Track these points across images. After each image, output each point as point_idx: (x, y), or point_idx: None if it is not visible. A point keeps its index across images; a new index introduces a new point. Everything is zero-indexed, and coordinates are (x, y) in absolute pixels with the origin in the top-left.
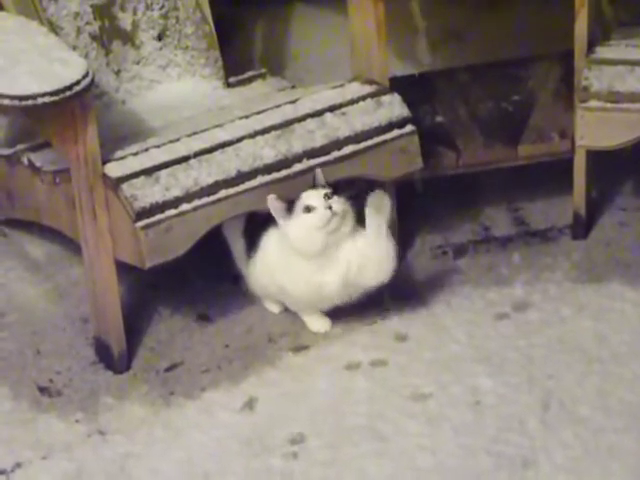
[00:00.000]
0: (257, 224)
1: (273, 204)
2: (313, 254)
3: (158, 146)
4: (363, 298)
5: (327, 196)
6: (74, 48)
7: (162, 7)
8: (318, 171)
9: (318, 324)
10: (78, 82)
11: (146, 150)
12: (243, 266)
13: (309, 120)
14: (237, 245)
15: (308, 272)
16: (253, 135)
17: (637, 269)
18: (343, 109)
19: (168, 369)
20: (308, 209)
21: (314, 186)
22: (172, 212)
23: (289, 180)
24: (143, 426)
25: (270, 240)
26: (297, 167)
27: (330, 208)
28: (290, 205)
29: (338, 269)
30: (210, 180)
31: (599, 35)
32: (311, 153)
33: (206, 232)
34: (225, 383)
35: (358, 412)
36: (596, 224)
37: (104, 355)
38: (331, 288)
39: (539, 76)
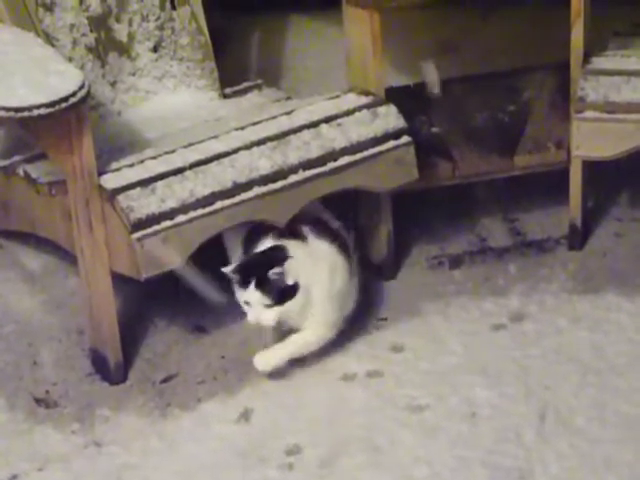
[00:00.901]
0: (257, 235)
1: (231, 274)
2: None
3: (154, 157)
4: (359, 309)
5: (268, 305)
6: (70, 60)
7: (158, 18)
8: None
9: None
10: (74, 94)
11: (142, 161)
12: None
13: (305, 131)
14: (236, 256)
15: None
16: (249, 146)
17: (633, 280)
18: (339, 120)
19: (164, 380)
20: (246, 303)
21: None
22: (168, 223)
23: (285, 191)
24: (139, 437)
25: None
26: (293, 178)
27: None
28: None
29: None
30: (206, 191)
31: (594, 45)
32: (307, 164)
33: (202, 243)
34: (221, 394)
35: (354, 423)
36: (592, 235)
37: (100, 366)
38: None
39: (535, 87)
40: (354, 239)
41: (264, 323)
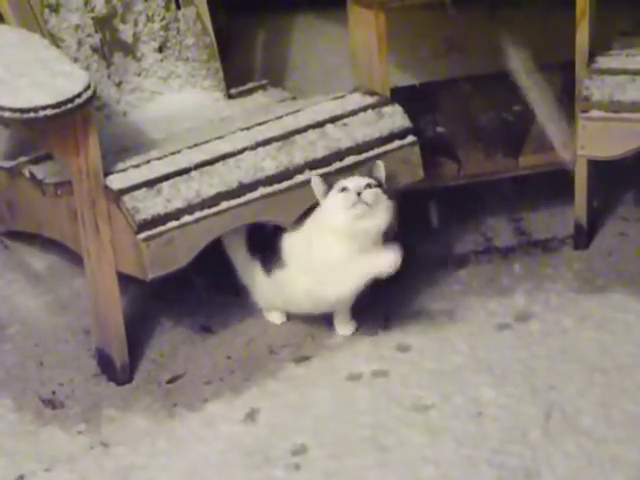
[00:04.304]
0: (259, 236)
1: (317, 185)
2: (337, 231)
3: (159, 158)
4: (365, 309)
5: (369, 186)
6: (75, 60)
7: (163, 19)
8: (379, 163)
9: (345, 325)
10: (80, 94)
11: (148, 162)
12: (247, 278)
13: (310, 131)
14: (239, 257)
15: (343, 255)
16: (254, 146)
17: (639, 279)
18: (344, 120)
19: (170, 381)
20: (343, 189)
21: (369, 175)
22: (174, 224)
23: (291, 191)
24: (146, 438)
25: (296, 239)
26: (298, 178)
27: (359, 194)
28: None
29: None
30: (212, 192)
31: (599, 45)
32: (312, 164)
33: (207, 244)
34: (227, 394)
35: (360, 423)
36: (597, 234)
37: (107, 367)
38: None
39: (540, 86)
40: None
41: (366, 199)
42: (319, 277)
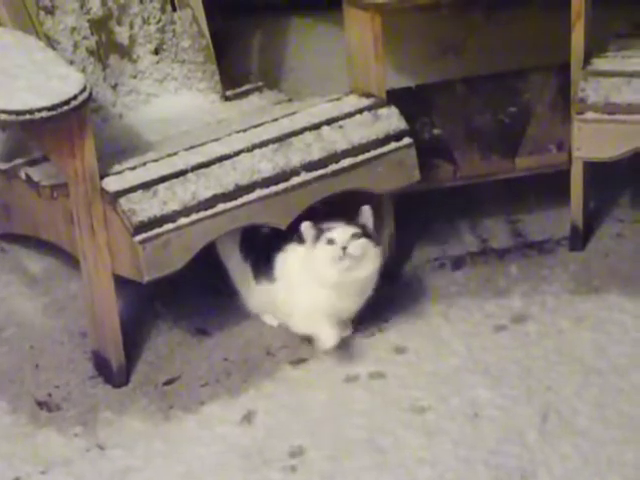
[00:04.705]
0: (253, 241)
1: (307, 231)
2: (326, 284)
3: (156, 160)
4: (361, 311)
5: (355, 236)
6: (71, 63)
7: (159, 21)
8: (365, 209)
9: (329, 337)
10: (75, 97)
11: (144, 164)
12: (239, 282)
13: (306, 133)
14: (232, 261)
15: (326, 299)
16: (251, 149)
17: (635, 280)
18: (340, 122)
19: (167, 383)
20: (330, 242)
21: (355, 222)
22: (170, 226)
23: (287, 193)
24: (142, 440)
25: (291, 258)
26: (295, 180)
27: (344, 249)
28: (320, 231)
29: (356, 298)
30: (208, 194)
31: (595, 47)
32: (309, 166)
33: (204, 246)
34: (224, 396)
35: (357, 425)
36: (594, 235)
37: (103, 369)
38: (348, 313)
39: (536, 88)
40: None
41: (353, 253)
42: (299, 312)
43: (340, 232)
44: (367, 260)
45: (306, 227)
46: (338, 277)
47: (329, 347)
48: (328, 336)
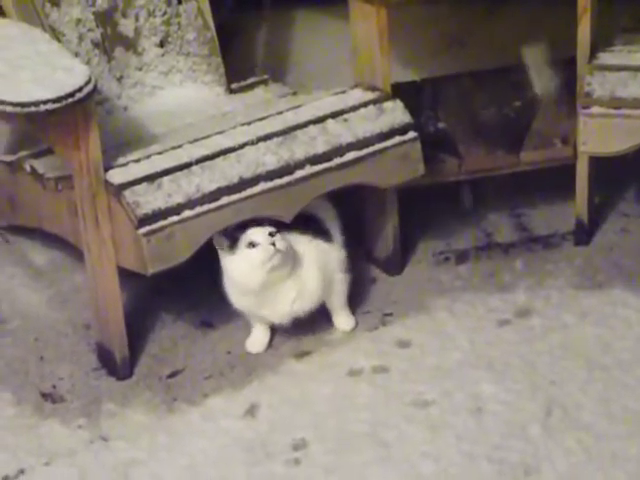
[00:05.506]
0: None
1: (218, 240)
2: (251, 290)
3: (160, 153)
4: (365, 304)
5: (271, 234)
6: (76, 55)
7: (164, 14)
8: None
9: (345, 321)
10: (80, 89)
11: (148, 157)
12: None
13: (311, 126)
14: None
15: (252, 305)
16: (255, 142)
17: None
18: (345, 115)
19: (171, 375)
20: (252, 245)
21: (259, 223)
22: (174, 219)
23: (291, 187)
24: (146, 432)
25: (226, 262)
26: (299, 173)
27: (273, 245)
28: (234, 240)
29: (281, 304)
30: (212, 187)
31: (601, 41)
32: (313, 159)
33: (208, 239)
34: (227, 389)
35: (360, 418)
36: (598, 230)
37: (107, 361)
38: (276, 319)
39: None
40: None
41: (281, 247)
42: None
43: (259, 232)
44: (289, 255)
45: (217, 237)
46: (266, 278)
47: (251, 351)
48: (254, 341)
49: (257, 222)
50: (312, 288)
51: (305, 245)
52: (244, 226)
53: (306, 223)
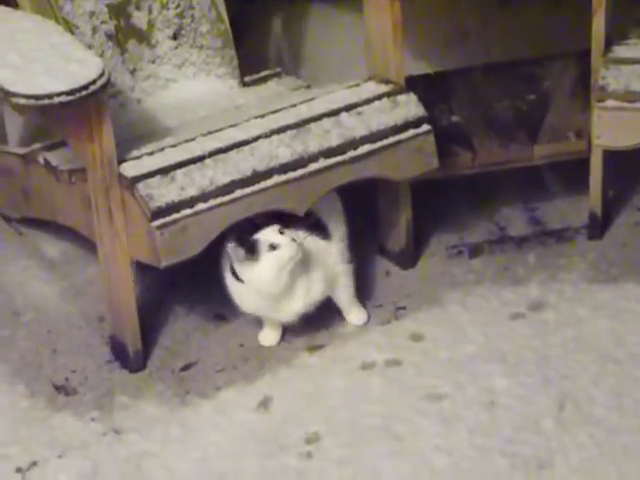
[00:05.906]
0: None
1: (235, 252)
2: (273, 295)
3: (174, 145)
4: (378, 298)
5: (281, 232)
6: (90, 47)
7: (177, 6)
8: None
9: (357, 315)
10: (94, 81)
11: (162, 149)
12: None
13: (325, 120)
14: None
15: (266, 309)
16: (269, 134)
17: None
18: (359, 108)
19: (184, 368)
20: (273, 247)
21: (255, 225)
22: (188, 212)
23: (305, 180)
24: (158, 425)
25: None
26: (313, 167)
27: (294, 240)
28: (248, 249)
29: (292, 303)
30: (226, 180)
31: (616, 34)
32: (327, 153)
33: (221, 232)
34: (240, 382)
35: (373, 412)
36: (612, 224)
37: (120, 354)
38: (288, 319)
39: (555, 75)
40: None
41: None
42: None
43: (272, 234)
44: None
45: (233, 250)
46: (284, 280)
47: (264, 344)
48: (266, 334)
49: (253, 224)
50: (316, 283)
51: (303, 241)
52: (239, 233)
53: (299, 218)
